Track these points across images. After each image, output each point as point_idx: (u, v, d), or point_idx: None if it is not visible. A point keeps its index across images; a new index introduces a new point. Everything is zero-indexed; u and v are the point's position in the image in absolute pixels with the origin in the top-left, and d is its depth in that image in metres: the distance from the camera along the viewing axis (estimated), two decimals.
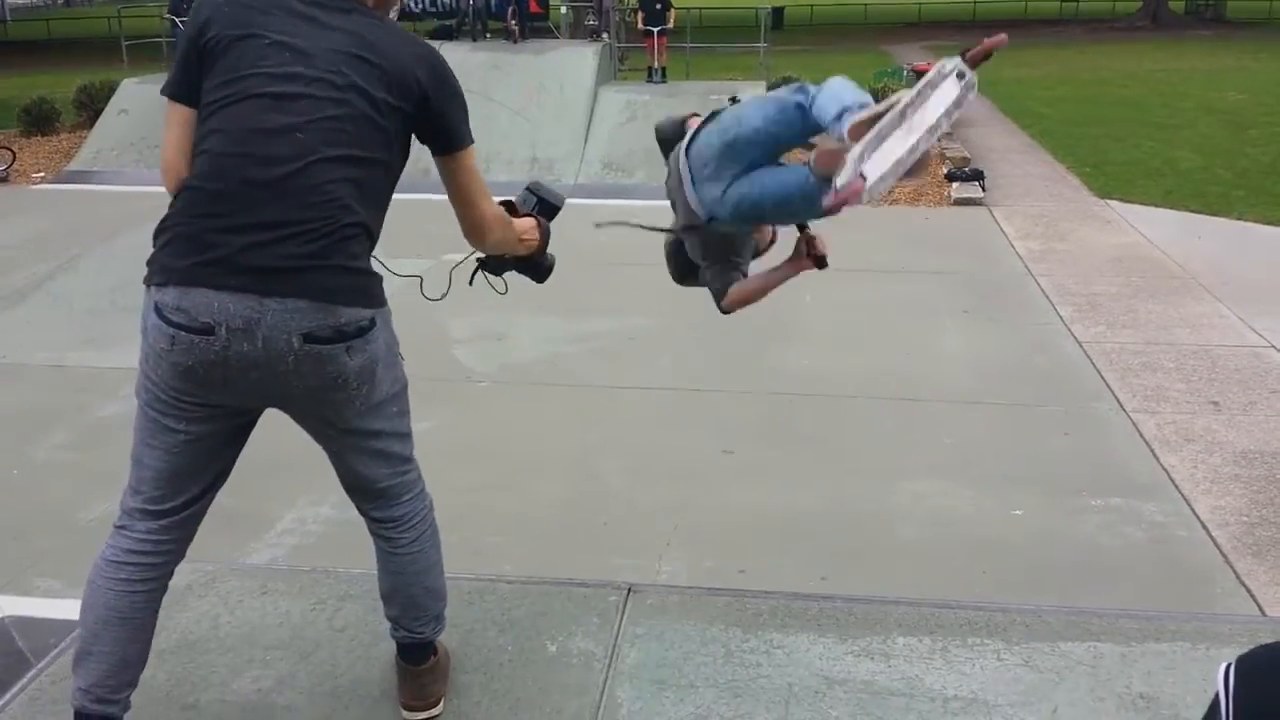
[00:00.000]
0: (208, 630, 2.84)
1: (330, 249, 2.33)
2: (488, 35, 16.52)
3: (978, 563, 4.98)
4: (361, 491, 2.69)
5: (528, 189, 2.96)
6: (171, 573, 2.58)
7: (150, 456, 2.50)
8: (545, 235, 2.93)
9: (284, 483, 5.79)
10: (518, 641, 2.68)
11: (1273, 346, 7.71)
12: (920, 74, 17.59)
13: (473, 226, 2.70)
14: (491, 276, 3.01)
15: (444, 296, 3.09)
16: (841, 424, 6.62)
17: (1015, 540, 5.20)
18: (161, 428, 2.46)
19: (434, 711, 2.54)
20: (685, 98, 14.99)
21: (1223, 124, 17.85)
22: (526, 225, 2.87)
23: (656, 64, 15.89)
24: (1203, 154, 15.25)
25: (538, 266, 2.97)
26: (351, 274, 2.39)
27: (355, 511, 4.94)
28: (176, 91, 2.38)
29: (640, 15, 16.44)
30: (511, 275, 3.02)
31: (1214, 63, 27.53)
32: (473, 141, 2.58)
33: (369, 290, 2.45)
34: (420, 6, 17.75)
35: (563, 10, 19.42)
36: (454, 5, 17.35)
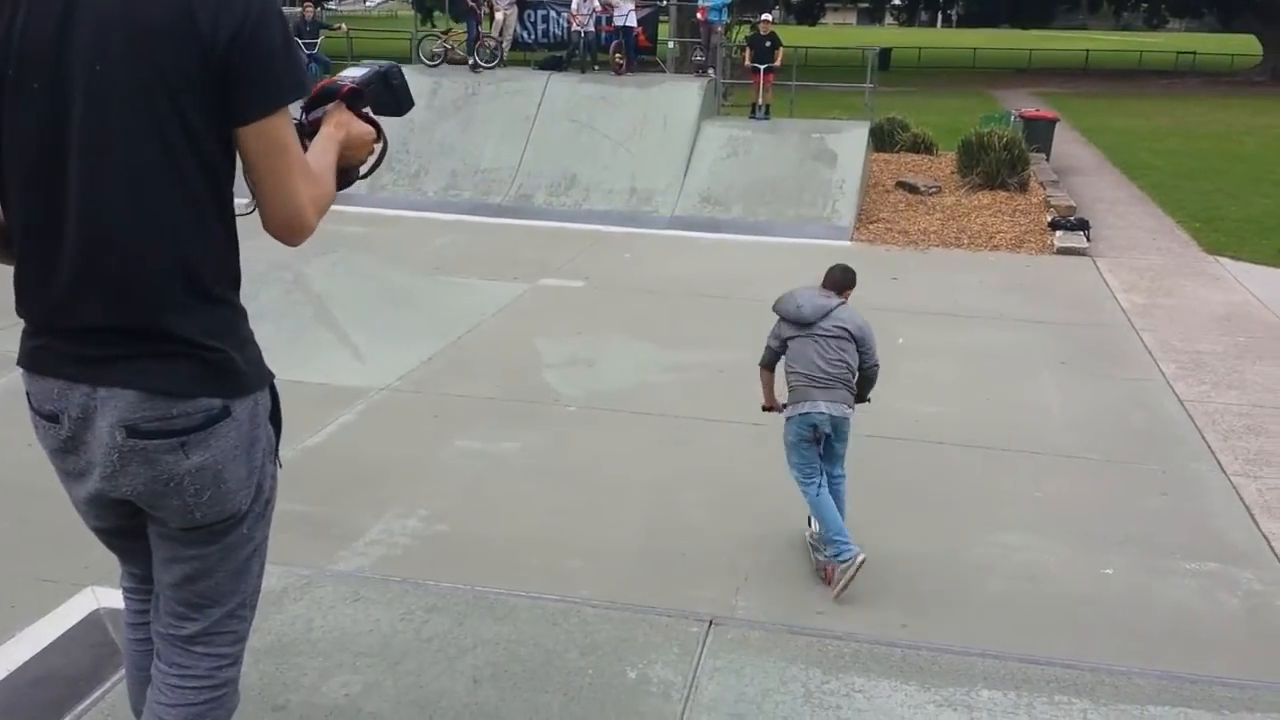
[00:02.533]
0: (301, 633, 2.93)
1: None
2: (596, 67, 16.81)
3: (1063, 620, 4.87)
4: (166, 616, 2.18)
5: (384, 74, 2.27)
6: None
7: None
8: (382, 154, 2.29)
9: (373, 494, 5.95)
10: (598, 665, 2.72)
11: None
12: (1028, 120, 17.42)
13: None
14: None
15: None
16: (931, 470, 6.54)
17: (1104, 600, 5.08)
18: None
19: None
20: (786, 134, 15.07)
21: None
22: (365, 133, 2.20)
23: (761, 100, 15.98)
24: None
25: (349, 174, 2.25)
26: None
27: (443, 524, 5.04)
28: None
29: (748, 52, 16.56)
30: None
31: None
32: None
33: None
34: (532, 38, 18.13)
35: (670, 45, 19.66)
36: (564, 37, 17.70)
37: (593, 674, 2.66)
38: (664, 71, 18.40)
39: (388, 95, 2.26)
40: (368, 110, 2.21)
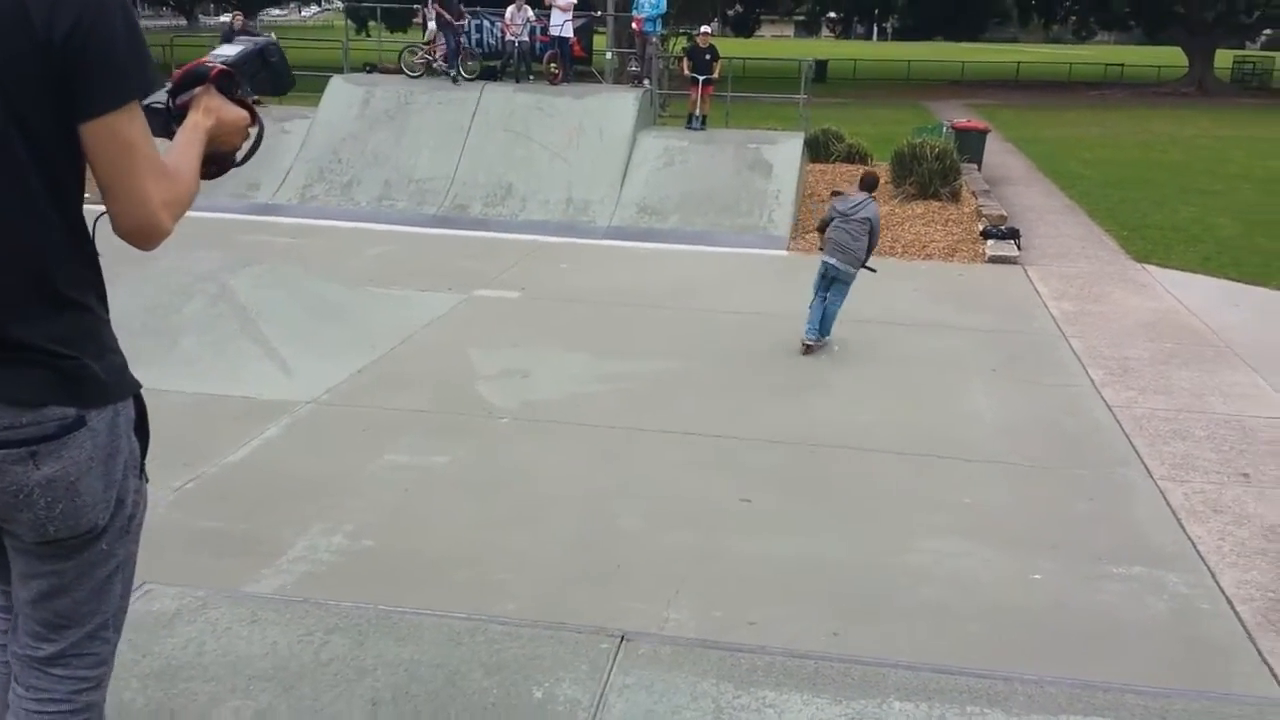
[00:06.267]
0: (192, 657, 2.80)
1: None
2: (531, 77, 16.74)
3: (992, 626, 4.88)
4: (24, 637, 2.05)
5: (260, 50, 2.17)
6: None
7: None
8: (258, 139, 2.16)
9: (298, 510, 5.80)
10: (503, 685, 2.63)
11: None
12: (959, 131, 17.68)
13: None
14: None
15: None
16: (862, 478, 6.55)
17: (1032, 605, 5.10)
18: None
19: None
20: (722, 145, 15.12)
21: (1265, 192, 17.69)
22: (239, 118, 2.07)
23: (699, 111, 16.05)
24: (1243, 222, 15.11)
25: (223, 162, 2.11)
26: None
27: (370, 539, 4.92)
28: None
29: (686, 63, 16.62)
30: None
31: (1258, 131, 27.37)
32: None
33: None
34: (466, 47, 18.01)
35: (607, 55, 19.65)
36: (498, 46, 17.62)
37: (497, 694, 2.58)
38: (600, 82, 18.38)
39: (265, 73, 2.14)
40: (245, 93, 2.09)
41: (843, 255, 8.86)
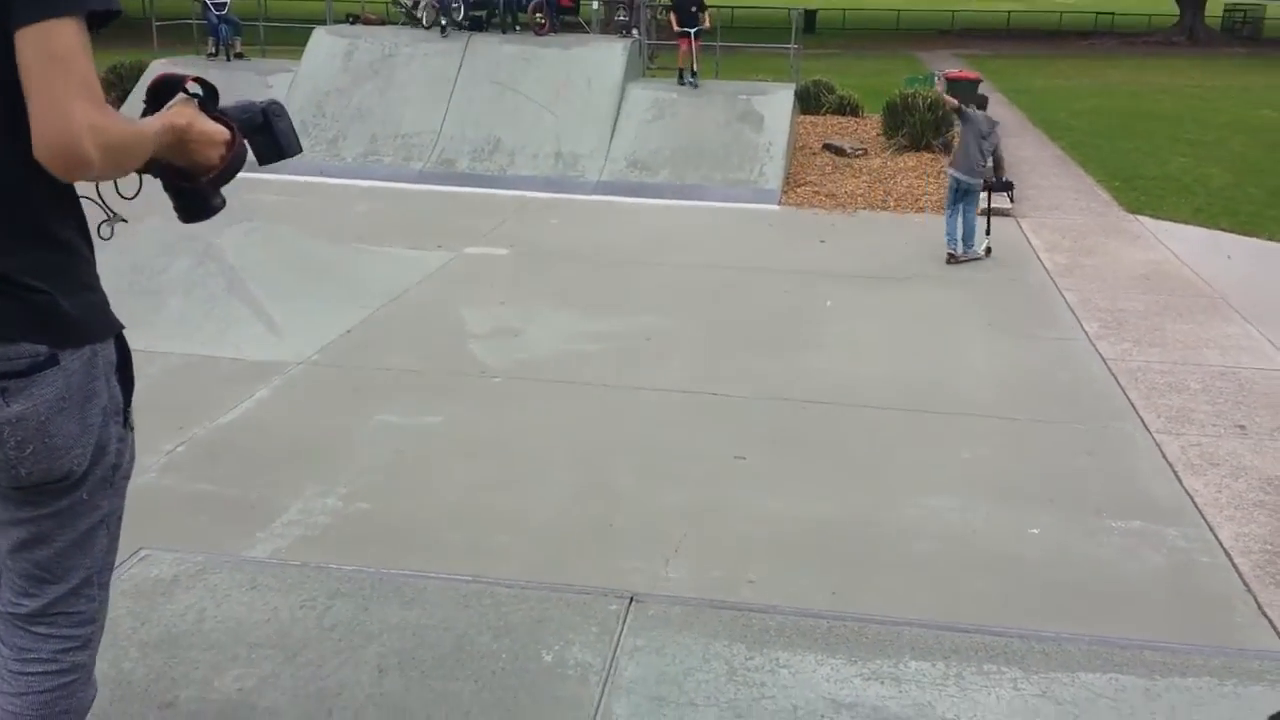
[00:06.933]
0: (192, 625, 2.74)
1: None
2: (517, 28, 16.46)
3: (992, 581, 4.87)
4: (6, 593, 2.00)
5: (264, 111, 2.07)
6: None
7: None
8: (236, 162, 1.99)
9: (291, 473, 5.75)
10: (512, 649, 2.59)
11: None
12: (952, 81, 17.50)
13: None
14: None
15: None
16: (857, 433, 6.51)
17: (1031, 559, 5.09)
18: None
19: None
20: (712, 97, 14.94)
21: (1256, 142, 17.61)
22: (216, 131, 1.94)
23: (691, 68, 15.35)
24: (1235, 172, 15.04)
25: (197, 200, 2.00)
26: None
27: (364, 502, 4.85)
28: None
29: (674, 16, 15.97)
30: None
31: (1249, 80, 27.22)
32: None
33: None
34: None
35: (594, 5, 19.35)
36: None
37: (506, 658, 2.54)
38: (587, 32, 18.11)
39: (266, 136, 2.04)
40: (226, 116, 1.95)
41: (969, 169, 10.27)
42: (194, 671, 2.53)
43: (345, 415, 6.52)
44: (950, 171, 10.41)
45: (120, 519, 2.04)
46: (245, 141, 1.99)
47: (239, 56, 16.89)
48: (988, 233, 10.67)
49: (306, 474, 5.74)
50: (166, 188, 1.96)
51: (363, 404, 6.69)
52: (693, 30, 15.21)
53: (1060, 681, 2.49)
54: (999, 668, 2.53)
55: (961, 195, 10.22)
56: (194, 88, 1.96)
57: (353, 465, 5.88)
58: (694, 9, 15.36)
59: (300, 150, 2.14)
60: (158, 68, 15.86)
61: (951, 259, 10.25)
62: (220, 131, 1.93)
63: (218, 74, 15.75)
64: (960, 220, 10.27)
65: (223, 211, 2.00)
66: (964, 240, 10.31)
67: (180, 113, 1.89)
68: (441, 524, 5.28)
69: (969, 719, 2.35)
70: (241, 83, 15.49)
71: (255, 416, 6.50)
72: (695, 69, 15.32)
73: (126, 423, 1.98)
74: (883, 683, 2.48)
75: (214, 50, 16.81)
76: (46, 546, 1.92)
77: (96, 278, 1.89)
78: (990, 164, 10.25)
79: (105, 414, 1.90)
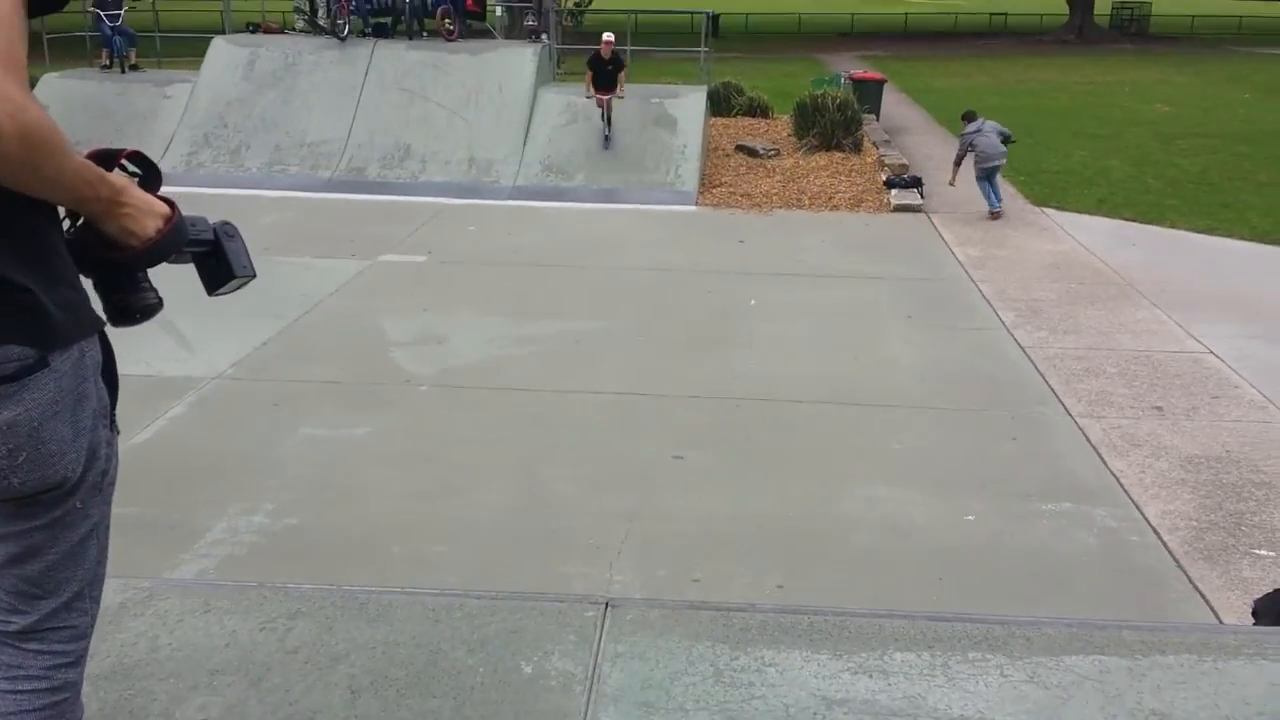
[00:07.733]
0: (145, 653, 2.57)
1: None
2: (424, 34, 16.22)
3: (933, 569, 4.91)
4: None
5: (215, 229, 1.91)
6: None
7: None
8: (174, 236, 1.78)
9: (212, 491, 5.54)
10: (489, 662, 2.48)
11: (1211, 352, 7.80)
12: (857, 82, 17.71)
13: None
14: None
15: None
16: (789, 429, 6.52)
17: (969, 546, 5.14)
18: None
19: None
20: (626, 100, 14.88)
21: (1151, 135, 18.22)
22: (154, 202, 1.77)
23: (607, 120, 14.16)
24: (1133, 164, 15.54)
25: (123, 281, 1.80)
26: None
27: (293, 518, 4.68)
28: None
29: (589, 75, 14.34)
30: None
31: (1139, 76, 28.18)
32: None
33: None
34: (354, 4, 17.34)
35: (498, 11, 19.15)
36: (389, 3, 16.99)
37: (484, 672, 2.43)
38: (495, 37, 17.94)
39: (215, 260, 1.90)
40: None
41: (998, 153, 12.54)
42: (153, 704, 2.37)
43: (266, 430, 6.31)
44: (979, 166, 12.51)
45: (108, 528, 1.92)
46: (184, 220, 1.80)
47: (134, 69, 16.32)
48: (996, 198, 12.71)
49: (229, 492, 5.53)
50: (83, 266, 1.74)
51: (284, 418, 6.48)
52: (607, 97, 14.22)
53: (1045, 666, 2.48)
54: (983, 655, 2.51)
55: (993, 172, 12.55)
56: (131, 166, 1.80)
57: (278, 481, 5.69)
58: (610, 67, 14.31)
59: (254, 275, 1.96)
60: (50, 81, 15.26)
61: (994, 216, 12.39)
62: (159, 204, 1.77)
63: (113, 86, 15.24)
64: (991, 188, 12.53)
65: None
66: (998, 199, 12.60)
67: (117, 176, 1.74)
68: (377, 536, 5.14)
69: (961, 709, 2.32)
70: (138, 95, 15.02)
71: (170, 434, 6.26)
72: (609, 121, 14.30)
73: (113, 425, 1.87)
74: (871, 676, 2.45)
75: (108, 63, 16.20)
76: (38, 560, 1.82)
77: (76, 274, 1.75)
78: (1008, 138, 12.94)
79: (95, 416, 1.79)
